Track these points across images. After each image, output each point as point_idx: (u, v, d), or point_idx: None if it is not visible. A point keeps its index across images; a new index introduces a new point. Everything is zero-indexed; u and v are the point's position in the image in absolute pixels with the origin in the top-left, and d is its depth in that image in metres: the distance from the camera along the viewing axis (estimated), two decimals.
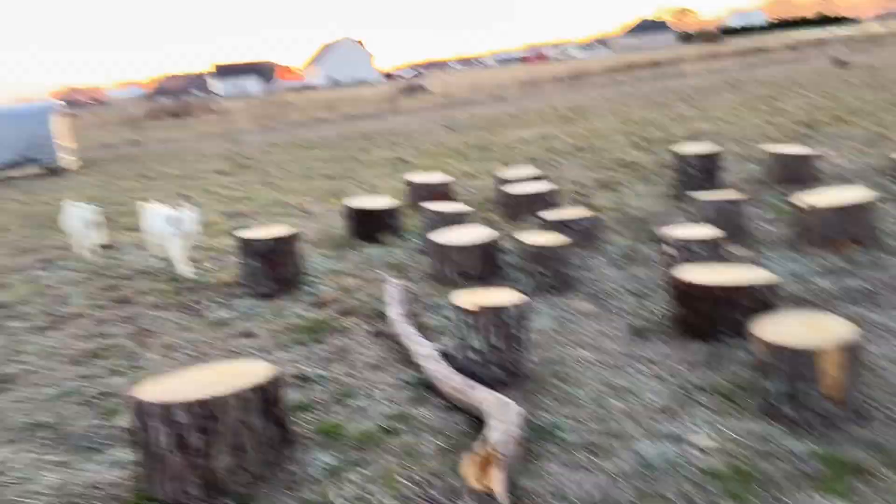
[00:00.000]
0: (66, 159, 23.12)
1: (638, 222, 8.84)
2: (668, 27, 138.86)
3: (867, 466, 3.46)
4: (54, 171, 21.69)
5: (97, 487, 3.89)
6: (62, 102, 25.47)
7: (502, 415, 3.97)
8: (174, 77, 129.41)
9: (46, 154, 22.41)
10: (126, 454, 4.22)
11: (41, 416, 4.94)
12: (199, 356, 5.85)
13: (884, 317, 5.25)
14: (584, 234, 8.03)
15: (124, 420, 4.65)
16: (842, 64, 31.44)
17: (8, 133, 22.12)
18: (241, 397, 3.76)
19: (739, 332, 4.95)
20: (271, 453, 3.93)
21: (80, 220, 9.15)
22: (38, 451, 4.43)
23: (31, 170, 22.12)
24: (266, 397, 3.90)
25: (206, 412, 3.65)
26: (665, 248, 6.51)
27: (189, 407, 3.64)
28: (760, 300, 5.02)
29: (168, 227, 7.75)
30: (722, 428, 3.98)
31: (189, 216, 7.68)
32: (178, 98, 72.12)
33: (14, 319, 7.30)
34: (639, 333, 5.42)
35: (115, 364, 5.83)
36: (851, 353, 3.88)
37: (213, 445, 3.68)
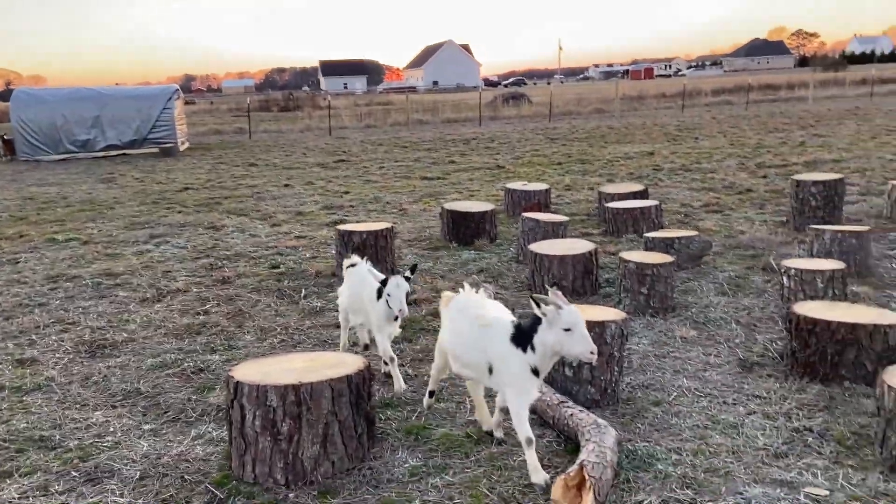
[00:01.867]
0: (181, 142, 24.36)
1: (748, 249, 8.36)
2: (785, 48, 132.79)
3: None
4: (169, 153, 22.86)
5: (186, 461, 3.96)
6: (179, 88, 26.80)
7: (598, 437, 3.77)
8: (284, 71, 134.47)
9: (164, 135, 23.67)
10: (217, 431, 4.29)
11: (141, 384, 5.11)
12: (292, 342, 5.92)
13: None
14: (689, 256, 7.67)
15: (218, 397, 4.75)
16: None
17: (131, 113, 23.52)
18: (334, 387, 3.73)
19: (863, 376, 4.56)
20: (357, 447, 3.88)
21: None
22: (135, 418, 4.57)
23: (149, 149, 23.41)
24: (357, 390, 3.85)
25: (299, 398, 3.64)
26: (782, 279, 6.09)
27: (283, 391, 3.64)
28: (890, 345, 4.58)
29: (379, 305, 4.78)
30: (840, 480, 3.62)
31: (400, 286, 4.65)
32: (286, 92, 74.88)
33: (122, 289, 7.65)
34: (748, 368, 5.07)
35: (212, 341, 5.98)
36: None
37: (301, 432, 3.66)
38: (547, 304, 3.60)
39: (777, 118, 26.86)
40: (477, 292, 4.22)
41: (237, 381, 3.72)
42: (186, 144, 25.62)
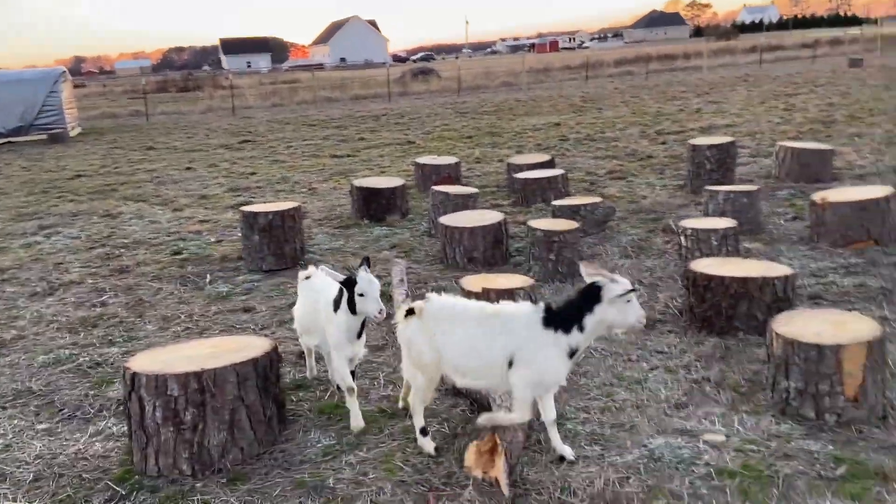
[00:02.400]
0: (71, 127, 22.95)
1: (650, 213, 8.66)
2: (681, 19, 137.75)
3: (890, 473, 3.30)
4: (58, 139, 21.50)
5: (84, 459, 3.75)
6: (66, 70, 25.19)
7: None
8: (182, 50, 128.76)
9: (51, 121, 22.23)
10: (117, 426, 4.09)
11: (33, 383, 4.81)
12: (197, 329, 5.71)
13: None
14: (595, 222, 7.87)
15: (116, 390, 4.53)
16: (857, 63, 31.04)
17: (13, 99, 21.93)
18: (238, 372, 3.61)
19: (755, 326, 4.81)
20: (267, 431, 3.79)
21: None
22: (27, 418, 4.30)
23: (36, 136, 21.94)
24: (264, 373, 3.75)
25: (201, 386, 3.51)
26: (680, 239, 6.33)
27: (183, 379, 3.49)
28: (778, 296, 4.85)
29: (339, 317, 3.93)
30: (736, 426, 3.82)
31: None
32: (185, 71, 71.74)
33: (11, 284, 7.17)
34: (651, 325, 5.25)
35: (110, 333, 5.69)
36: (874, 353, 3.72)
37: (206, 420, 3.54)
38: (601, 279, 3.36)
39: (675, 87, 27.86)
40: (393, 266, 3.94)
41: (134, 373, 3.54)
42: (78, 130, 24.16)
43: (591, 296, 3.38)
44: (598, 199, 8.18)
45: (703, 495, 3.25)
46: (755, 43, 43.12)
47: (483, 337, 3.47)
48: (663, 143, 14.21)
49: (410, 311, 3.59)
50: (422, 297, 3.71)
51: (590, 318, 3.38)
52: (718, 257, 5.86)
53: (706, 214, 7.48)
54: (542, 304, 3.53)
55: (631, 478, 3.41)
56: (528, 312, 3.49)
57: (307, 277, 4.45)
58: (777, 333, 3.89)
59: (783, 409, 3.90)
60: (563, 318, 3.42)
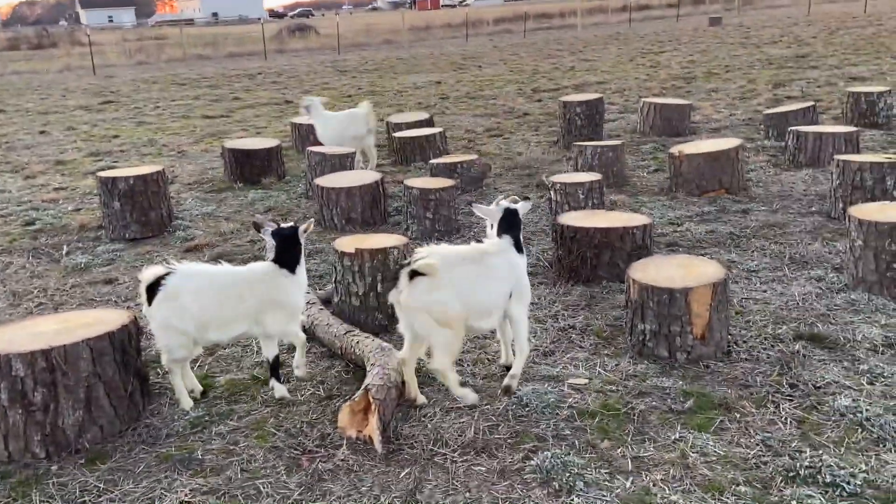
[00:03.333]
0: None
1: (525, 169, 8.87)
2: None
3: (732, 403, 3.61)
4: None
5: None
6: None
7: (382, 360, 3.84)
8: (35, 4, 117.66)
9: None
10: None
11: None
12: (53, 304, 5.34)
13: (747, 259, 5.51)
14: (471, 179, 7.97)
15: None
16: (716, 22, 32.90)
17: None
18: (93, 347, 3.41)
19: (617, 274, 5.06)
20: (129, 407, 3.62)
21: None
22: None
23: None
24: (122, 347, 3.56)
25: (50, 364, 3.29)
26: (550, 193, 6.54)
27: (29, 358, 3.26)
28: (637, 244, 5.13)
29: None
30: (598, 369, 4.04)
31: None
32: (39, 27, 65.59)
33: None
34: None
35: None
36: (719, 294, 4.02)
37: (58, 400, 3.33)
38: (508, 204, 3.87)
39: (551, 45, 28.48)
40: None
41: None
42: None
43: (516, 218, 3.84)
44: (474, 157, 8.28)
45: (567, 436, 3.43)
46: (625, 2, 44.60)
47: (489, 275, 3.62)
48: (539, 100, 14.53)
49: (415, 273, 3.42)
50: (401, 263, 3.66)
51: (520, 237, 3.86)
52: (585, 210, 6.10)
53: (576, 169, 7.74)
54: (507, 237, 3.80)
55: (500, 425, 3.54)
56: (506, 245, 3.77)
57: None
58: (633, 280, 4.12)
59: (640, 350, 4.15)
60: (518, 242, 3.83)
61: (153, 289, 3.53)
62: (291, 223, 3.93)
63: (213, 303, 3.62)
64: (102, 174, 6.99)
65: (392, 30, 40.48)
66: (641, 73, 17.52)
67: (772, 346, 4.16)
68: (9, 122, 15.09)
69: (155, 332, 3.66)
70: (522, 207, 3.89)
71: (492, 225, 3.93)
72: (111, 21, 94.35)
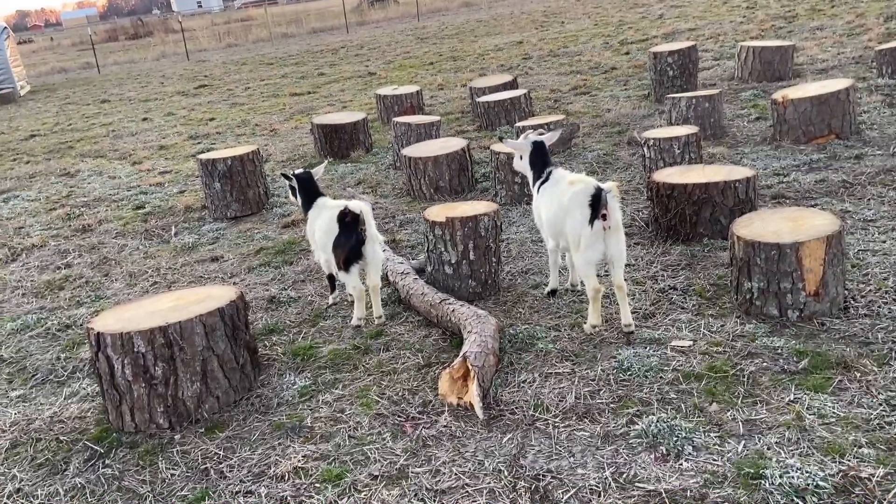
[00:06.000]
0: (20, 86, 22.09)
1: (615, 126, 8.59)
2: None
3: (851, 361, 3.40)
4: (7, 99, 20.72)
5: (61, 421, 3.75)
6: (7, 26, 24.02)
7: (479, 328, 3.85)
8: None
9: None
10: (92, 386, 4.08)
11: (3, 350, 4.76)
12: (166, 283, 5.65)
13: (863, 208, 5.14)
14: (559, 140, 7.79)
15: (88, 352, 4.50)
16: None
17: None
18: (205, 323, 3.59)
19: (720, 231, 4.85)
20: (241, 378, 3.80)
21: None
22: (0, 386, 4.27)
23: None
24: (232, 322, 3.73)
25: (168, 340, 3.48)
26: (643, 150, 6.31)
27: (150, 335, 3.47)
28: (740, 199, 4.88)
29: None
30: (702, 330, 3.90)
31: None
32: (134, 17, 68.75)
33: None
34: None
35: (77, 294, 5.62)
36: (833, 247, 3.77)
37: (177, 373, 3.54)
38: (532, 136, 4.43)
39: None
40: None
41: (98, 332, 3.51)
42: (27, 88, 23.28)
43: (545, 150, 4.34)
44: (561, 117, 8.08)
45: (672, 399, 3.33)
46: None
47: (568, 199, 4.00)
48: (627, 53, 13.99)
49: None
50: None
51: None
52: (681, 165, 5.85)
53: (670, 123, 7.43)
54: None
55: (602, 390, 3.49)
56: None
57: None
58: (738, 236, 3.92)
59: (747, 309, 3.97)
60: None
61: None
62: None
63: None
64: (202, 157, 7.29)
65: None
66: (737, 16, 16.52)
67: (894, 300, 3.88)
68: (113, 111, 15.96)
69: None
70: (549, 139, 4.36)
71: (521, 157, 4.45)
72: (200, 6, 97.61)
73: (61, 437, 3.60)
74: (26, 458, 3.48)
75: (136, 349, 3.47)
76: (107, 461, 3.38)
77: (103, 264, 6.25)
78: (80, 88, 22.06)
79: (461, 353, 3.61)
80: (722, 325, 3.91)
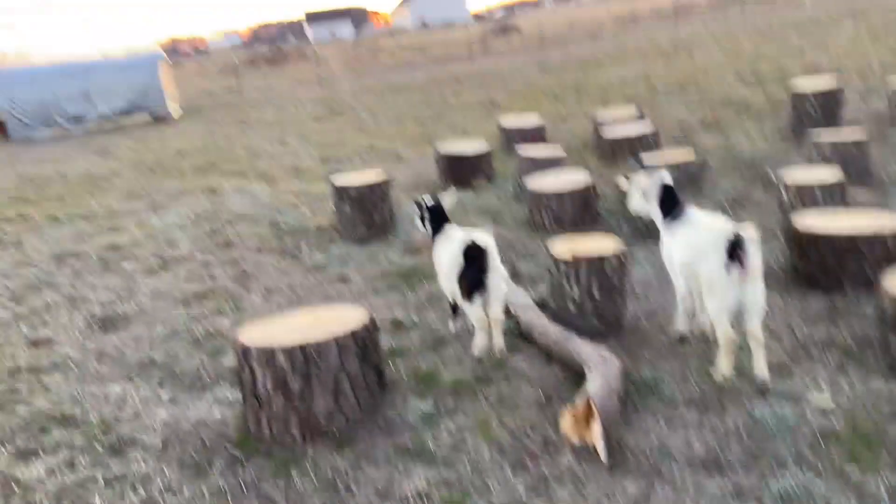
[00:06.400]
0: (172, 107, 24.10)
1: (748, 165, 8.28)
2: None
3: None
4: (161, 119, 22.64)
5: (205, 425, 4.06)
6: (164, 53, 26.35)
7: (602, 368, 3.83)
8: (270, 25, 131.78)
9: (154, 102, 23.40)
10: (231, 393, 4.38)
11: (154, 354, 5.20)
12: (298, 300, 5.98)
13: None
14: (688, 177, 7.60)
15: (229, 359, 4.84)
16: None
17: (119, 83, 23.21)
18: (340, 343, 3.79)
19: (865, 284, 4.57)
20: (368, 398, 3.97)
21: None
22: (152, 388, 4.67)
23: (141, 118, 23.19)
24: (363, 343, 3.91)
25: (306, 357, 3.70)
26: (781, 191, 6.05)
27: (290, 352, 3.70)
28: (890, 250, 4.58)
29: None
30: (844, 387, 3.68)
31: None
32: (273, 45, 73.41)
33: (128, 262, 7.70)
34: None
35: (220, 305, 6.05)
36: None
37: (312, 389, 3.74)
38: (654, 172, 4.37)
39: (774, 26, 26.17)
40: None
41: (244, 345, 3.78)
42: (178, 109, 25.35)
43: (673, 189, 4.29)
44: (689, 154, 7.89)
45: (809, 459, 3.17)
46: None
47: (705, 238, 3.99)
48: (761, 86, 13.46)
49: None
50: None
51: None
52: (823, 210, 5.56)
53: (810, 164, 7.08)
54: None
55: (732, 442, 3.37)
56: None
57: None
58: (887, 291, 3.69)
59: (894, 368, 3.72)
60: None
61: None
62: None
63: None
64: (337, 182, 7.67)
65: (596, 22, 39.74)
66: (886, 53, 15.52)
67: None
68: (253, 134, 17.08)
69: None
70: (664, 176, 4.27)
71: (641, 195, 4.41)
72: (333, 36, 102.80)
73: (206, 440, 3.89)
74: (174, 458, 3.78)
75: (277, 364, 3.71)
76: (246, 467, 3.62)
77: (243, 278, 6.70)
78: (224, 111, 23.76)
79: (584, 394, 3.60)
80: (865, 385, 3.68)
